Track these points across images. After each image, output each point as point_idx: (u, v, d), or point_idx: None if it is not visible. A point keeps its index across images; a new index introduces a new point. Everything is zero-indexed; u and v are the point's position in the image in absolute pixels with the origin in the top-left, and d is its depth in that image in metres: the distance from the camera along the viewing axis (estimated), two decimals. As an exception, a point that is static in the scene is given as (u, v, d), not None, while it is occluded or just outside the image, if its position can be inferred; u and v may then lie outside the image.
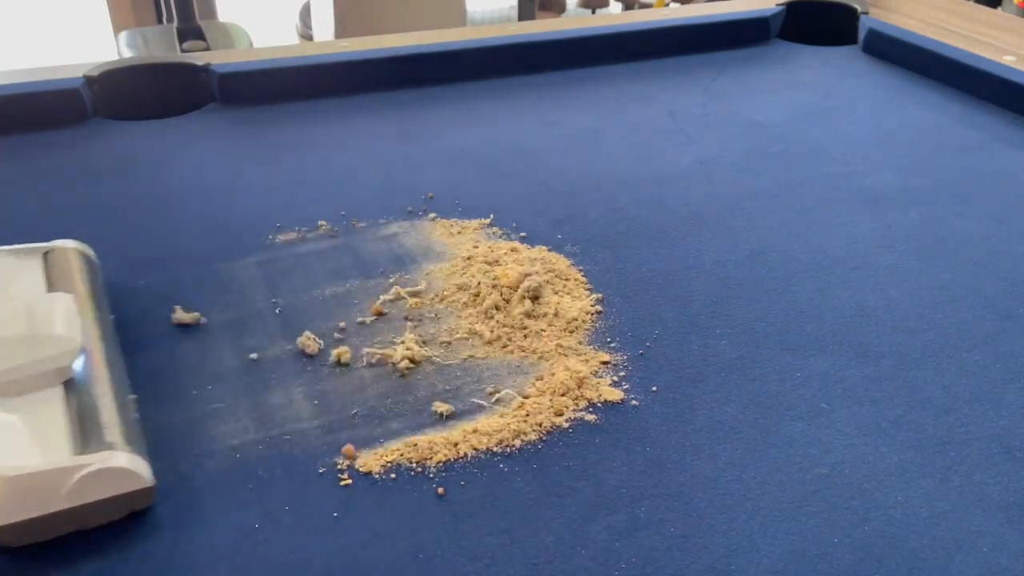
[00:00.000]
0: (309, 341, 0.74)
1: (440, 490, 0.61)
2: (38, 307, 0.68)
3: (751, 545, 0.57)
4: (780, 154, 1.12)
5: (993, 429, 0.67)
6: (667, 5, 3.38)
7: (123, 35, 2.39)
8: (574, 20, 1.49)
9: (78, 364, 0.64)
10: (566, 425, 0.67)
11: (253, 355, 0.74)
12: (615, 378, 0.72)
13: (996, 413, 0.69)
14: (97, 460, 0.56)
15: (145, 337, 0.76)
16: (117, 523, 0.58)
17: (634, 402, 0.70)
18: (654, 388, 0.71)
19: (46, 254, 0.77)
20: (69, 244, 0.79)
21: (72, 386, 0.63)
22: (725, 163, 1.10)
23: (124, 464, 0.57)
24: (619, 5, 3.61)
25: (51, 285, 0.73)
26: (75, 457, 0.56)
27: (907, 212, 0.99)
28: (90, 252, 0.80)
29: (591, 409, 0.69)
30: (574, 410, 0.68)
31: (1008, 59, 1.30)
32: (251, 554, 0.56)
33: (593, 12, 3.56)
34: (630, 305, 0.82)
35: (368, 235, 0.92)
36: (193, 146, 1.11)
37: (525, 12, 3.23)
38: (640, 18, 1.47)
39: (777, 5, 1.53)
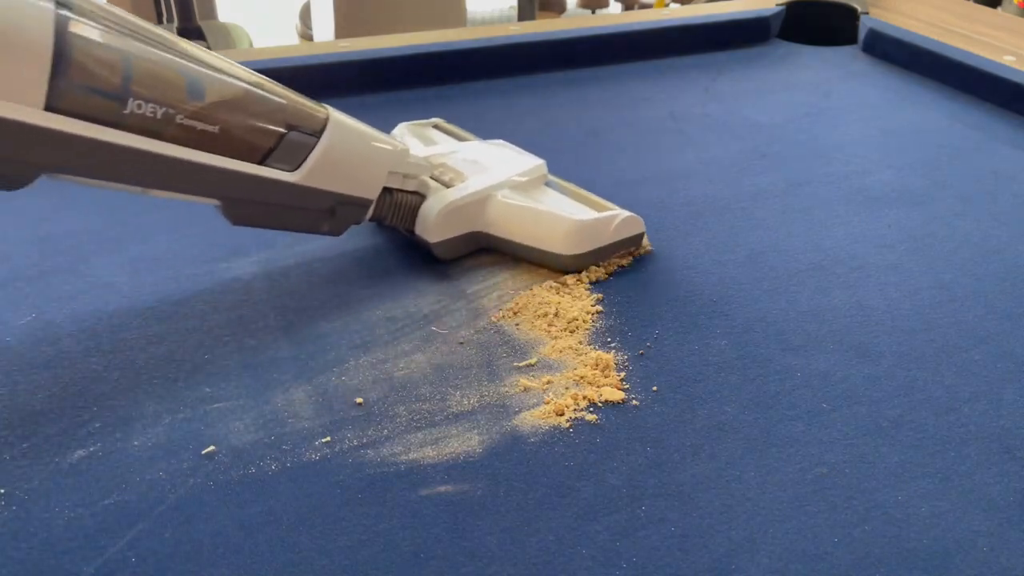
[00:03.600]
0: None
1: (444, 488, 0.61)
2: (491, 147, 0.95)
3: (751, 545, 0.57)
4: (780, 154, 1.13)
5: (993, 429, 0.68)
6: (667, 5, 3.38)
7: (123, 35, 2.38)
8: (574, 20, 1.49)
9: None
10: (566, 425, 0.67)
11: (253, 356, 0.74)
12: (615, 378, 0.72)
13: (996, 413, 0.69)
14: (622, 212, 0.85)
15: (147, 335, 0.76)
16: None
17: (634, 402, 0.70)
18: (654, 388, 0.71)
19: (435, 126, 1.05)
20: (435, 120, 1.06)
21: (551, 184, 0.92)
22: (725, 163, 1.10)
23: (633, 215, 0.86)
24: (619, 5, 3.62)
25: (459, 140, 1.00)
26: (608, 211, 0.85)
27: (907, 212, 0.99)
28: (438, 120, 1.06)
29: (591, 409, 0.69)
30: (574, 410, 0.68)
31: (1008, 59, 1.30)
32: (251, 553, 0.56)
33: (593, 12, 3.57)
34: (630, 305, 0.82)
35: (368, 235, 0.92)
36: (193, 146, 1.10)
37: (525, 12, 3.23)
38: (640, 18, 1.47)
39: (777, 5, 1.53)
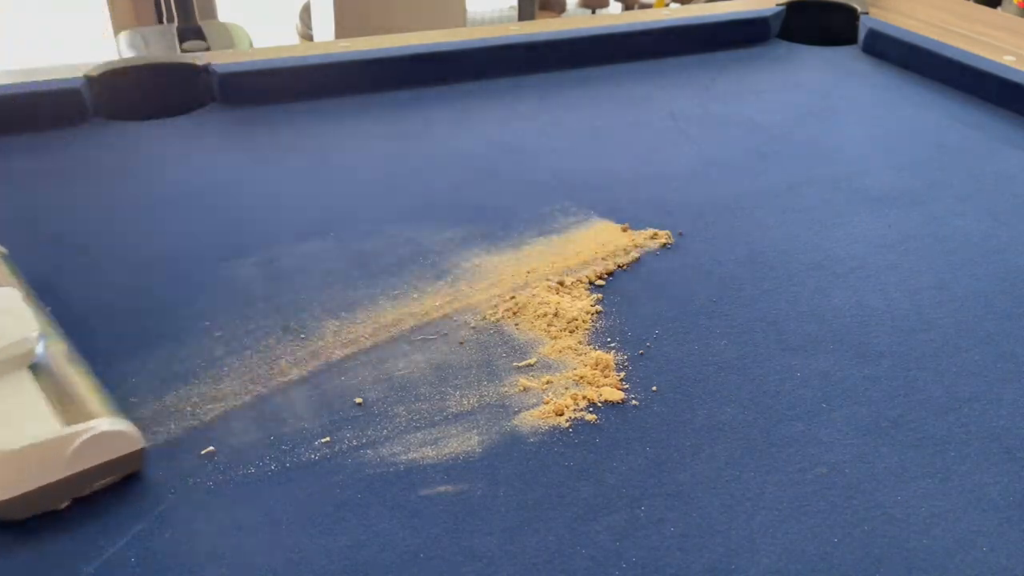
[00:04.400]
0: None
1: (444, 488, 0.61)
2: None
3: (751, 545, 0.57)
4: (780, 154, 1.13)
5: (993, 429, 0.68)
6: (667, 5, 3.38)
7: (123, 35, 2.39)
8: (574, 20, 1.49)
9: (40, 348, 0.66)
10: (566, 425, 0.67)
11: (253, 356, 0.74)
12: (615, 378, 0.72)
13: (996, 413, 0.69)
14: (91, 427, 0.59)
15: (147, 335, 0.76)
16: (115, 513, 0.58)
17: (634, 402, 0.70)
18: (654, 388, 0.71)
19: None
20: None
21: (39, 368, 0.65)
22: (725, 163, 1.10)
23: (117, 428, 0.60)
24: (619, 5, 3.62)
25: None
26: (70, 427, 0.59)
27: (907, 212, 0.99)
28: (4, 250, 0.81)
29: (591, 409, 0.69)
30: (574, 410, 0.68)
31: (1008, 59, 1.30)
32: (251, 553, 0.56)
33: (593, 12, 3.57)
34: (630, 305, 0.82)
35: (368, 236, 0.92)
36: (193, 146, 1.11)
37: (525, 12, 3.23)
38: (640, 18, 1.47)
39: (777, 5, 1.53)
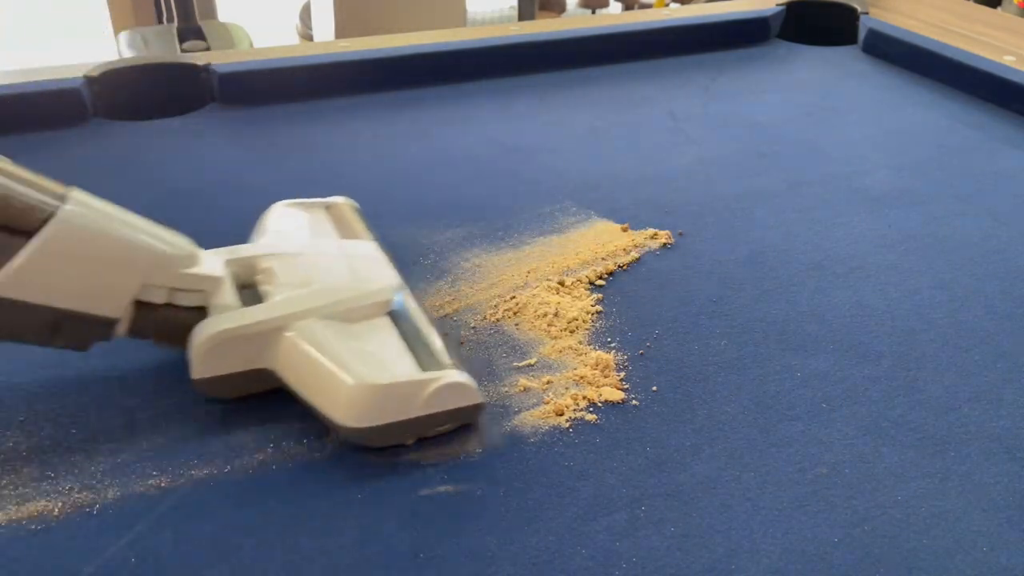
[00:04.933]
0: None
1: (444, 488, 0.61)
2: (351, 251, 0.76)
3: (751, 545, 0.57)
4: (780, 154, 1.13)
5: (993, 429, 0.68)
6: (667, 5, 3.38)
7: (123, 35, 2.39)
8: (574, 20, 1.49)
9: (399, 298, 0.72)
10: (566, 425, 0.67)
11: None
12: (615, 378, 0.72)
13: (996, 413, 0.69)
14: (448, 375, 0.64)
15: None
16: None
17: (634, 402, 0.70)
18: (654, 388, 0.71)
19: (328, 208, 0.85)
20: (341, 199, 0.87)
21: (396, 317, 0.71)
22: (725, 163, 1.10)
23: (467, 381, 0.65)
24: (619, 5, 3.62)
25: (342, 234, 0.81)
26: (428, 372, 0.64)
27: (907, 212, 0.99)
28: (358, 206, 0.87)
29: (591, 409, 0.69)
30: (574, 410, 0.68)
31: (1008, 59, 1.30)
32: (251, 553, 0.56)
33: (593, 12, 3.57)
34: (630, 305, 0.82)
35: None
36: (193, 146, 1.11)
37: (525, 12, 3.24)
38: (640, 18, 1.47)
39: (777, 5, 1.53)
